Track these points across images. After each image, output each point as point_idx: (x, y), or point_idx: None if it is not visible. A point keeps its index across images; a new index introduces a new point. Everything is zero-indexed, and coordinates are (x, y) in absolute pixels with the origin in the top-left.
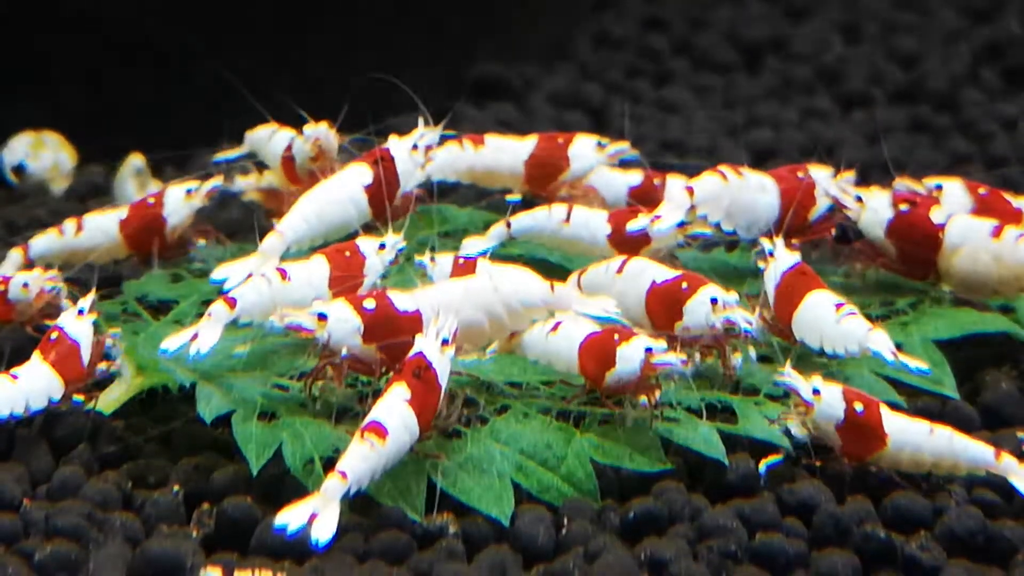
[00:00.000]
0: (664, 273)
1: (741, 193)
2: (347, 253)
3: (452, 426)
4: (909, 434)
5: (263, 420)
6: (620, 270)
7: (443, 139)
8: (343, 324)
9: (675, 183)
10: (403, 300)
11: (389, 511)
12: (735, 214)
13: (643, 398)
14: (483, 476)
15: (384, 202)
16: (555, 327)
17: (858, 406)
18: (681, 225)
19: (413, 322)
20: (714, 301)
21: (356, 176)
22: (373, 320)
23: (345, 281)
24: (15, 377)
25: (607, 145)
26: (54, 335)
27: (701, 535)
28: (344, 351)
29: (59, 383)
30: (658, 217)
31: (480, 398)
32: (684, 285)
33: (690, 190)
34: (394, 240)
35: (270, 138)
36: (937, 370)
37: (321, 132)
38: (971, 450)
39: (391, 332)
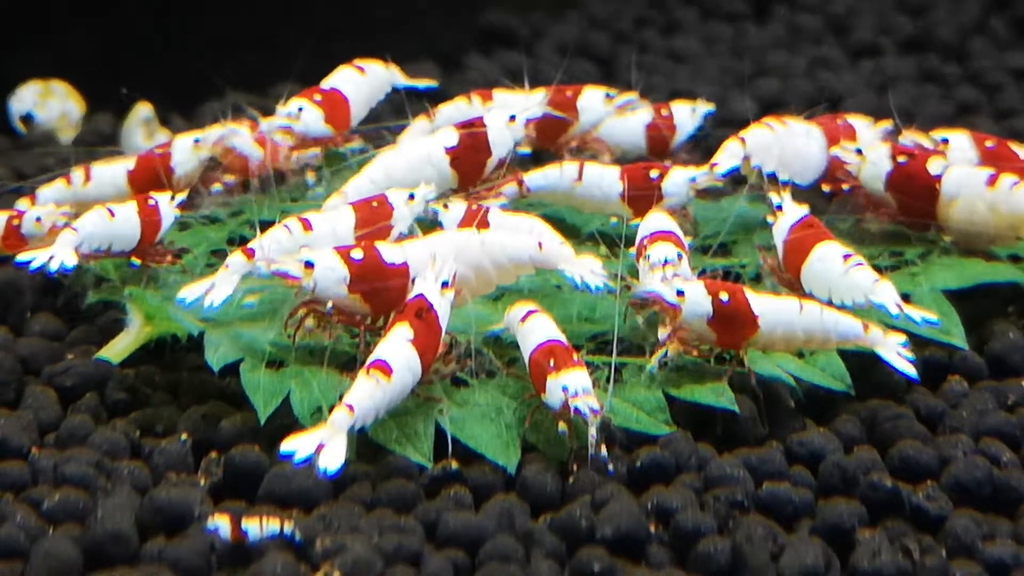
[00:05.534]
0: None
1: (791, 140)
2: (375, 203)
3: (454, 372)
4: (779, 313)
5: (271, 369)
6: None
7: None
8: (329, 273)
9: (681, 109)
10: (391, 252)
11: (396, 460)
12: (788, 162)
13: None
14: (491, 425)
15: (472, 169)
16: None
17: (723, 295)
18: (693, 180)
19: (400, 275)
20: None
21: (439, 138)
22: (360, 270)
23: (372, 231)
24: (112, 214)
25: (615, 96)
26: (151, 202)
27: (708, 484)
28: (329, 303)
29: (139, 238)
30: (715, 164)
31: (488, 351)
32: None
33: (742, 140)
34: (424, 191)
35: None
36: (945, 320)
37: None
38: (841, 324)
39: (378, 284)
